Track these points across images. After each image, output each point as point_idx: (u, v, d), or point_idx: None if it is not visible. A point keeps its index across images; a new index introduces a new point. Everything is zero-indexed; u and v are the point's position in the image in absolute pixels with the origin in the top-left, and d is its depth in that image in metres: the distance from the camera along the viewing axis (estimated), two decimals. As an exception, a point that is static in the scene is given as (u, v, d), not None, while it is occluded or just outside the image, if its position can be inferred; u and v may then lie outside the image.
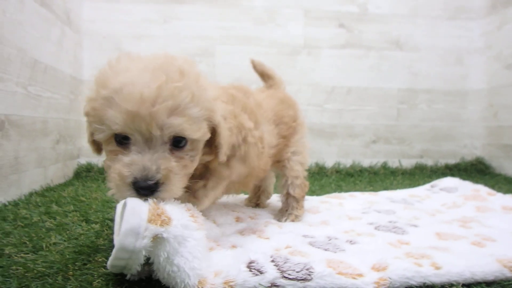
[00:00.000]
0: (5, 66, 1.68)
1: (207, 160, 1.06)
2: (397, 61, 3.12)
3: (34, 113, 1.95)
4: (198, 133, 0.93)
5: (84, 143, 2.67)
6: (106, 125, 0.88)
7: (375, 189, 2.24)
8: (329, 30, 3.05)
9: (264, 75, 1.67)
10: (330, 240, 1.17)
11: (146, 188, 0.87)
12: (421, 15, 3.14)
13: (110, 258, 0.85)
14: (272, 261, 0.92)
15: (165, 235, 0.83)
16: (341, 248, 1.10)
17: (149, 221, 0.84)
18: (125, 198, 0.88)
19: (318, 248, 1.09)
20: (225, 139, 1.02)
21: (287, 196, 1.51)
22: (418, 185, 2.34)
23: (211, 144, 1.02)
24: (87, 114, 0.95)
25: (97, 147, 1.04)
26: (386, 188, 2.29)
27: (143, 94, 0.84)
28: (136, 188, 0.87)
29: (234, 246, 1.09)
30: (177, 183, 0.92)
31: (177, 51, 2.82)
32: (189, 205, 0.97)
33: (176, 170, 0.91)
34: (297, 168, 1.51)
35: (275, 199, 1.76)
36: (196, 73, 0.96)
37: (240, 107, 1.17)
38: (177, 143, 0.92)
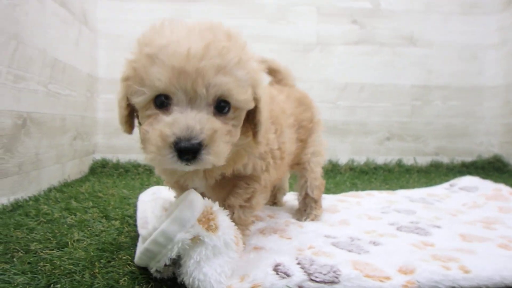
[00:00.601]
0: (28, 66, 1.71)
1: (242, 143, 0.99)
2: (410, 58, 3.10)
3: (53, 111, 1.98)
4: (244, 95, 0.87)
5: (100, 139, 2.71)
6: (148, 85, 0.83)
7: (391, 188, 2.23)
8: (342, 26, 3.04)
9: (270, 70, 1.56)
10: (353, 241, 1.16)
11: (189, 148, 0.79)
12: (434, 10, 3.11)
13: (144, 244, 0.86)
14: (298, 263, 0.91)
15: (206, 239, 0.84)
16: (365, 249, 1.09)
17: (199, 220, 0.85)
18: (166, 161, 0.81)
19: (342, 249, 1.08)
20: (265, 117, 0.97)
21: (305, 197, 1.49)
22: (435, 183, 2.32)
23: (248, 123, 0.97)
24: (126, 78, 0.91)
25: (130, 124, 0.98)
26: (402, 187, 2.27)
27: (190, 51, 0.79)
28: (178, 149, 0.79)
29: (256, 248, 1.08)
30: (222, 147, 0.84)
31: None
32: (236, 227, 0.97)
33: (221, 132, 0.84)
34: (317, 170, 1.50)
35: (291, 198, 1.78)
36: (242, 39, 0.92)
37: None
38: (221, 108, 0.86)
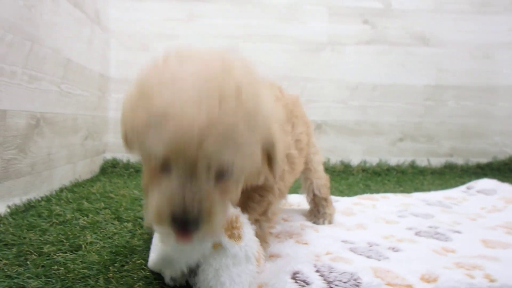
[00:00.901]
0: (41, 66, 1.70)
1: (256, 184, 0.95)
2: (422, 57, 3.07)
3: (65, 111, 1.97)
4: (250, 164, 0.79)
5: (110, 139, 2.71)
6: (147, 150, 0.76)
7: (405, 190, 2.21)
8: (353, 26, 3.01)
9: None
10: (371, 246, 1.14)
11: (185, 226, 0.73)
12: (446, 9, 3.08)
13: (160, 249, 0.86)
14: (317, 271, 0.90)
15: (227, 246, 0.82)
16: (385, 255, 1.07)
17: (222, 227, 0.82)
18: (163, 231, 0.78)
19: (360, 255, 1.06)
20: (280, 157, 0.88)
21: (314, 197, 1.48)
22: (450, 185, 2.30)
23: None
24: (124, 137, 0.86)
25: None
26: (417, 189, 2.25)
27: (191, 119, 0.69)
28: (174, 226, 0.73)
29: (272, 255, 1.06)
30: (219, 220, 0.77)
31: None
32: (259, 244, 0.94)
33: (219, 205, 0.77)
34: (320, 168, 1.49)
35: (304, 200, 1.77)
36: (254, 83, 0.80)
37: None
38: (224, 174, 0.76)
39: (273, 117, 0.84)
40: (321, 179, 1.48)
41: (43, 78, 1.72)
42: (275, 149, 0.83)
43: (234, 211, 0.88)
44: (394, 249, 1.13)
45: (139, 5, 2.83)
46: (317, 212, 1.48)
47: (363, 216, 1.54)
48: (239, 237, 0.85)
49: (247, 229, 0.89)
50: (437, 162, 3.09)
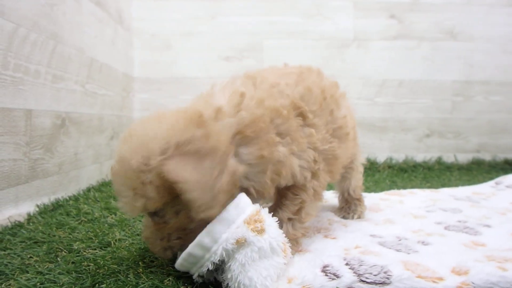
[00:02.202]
0: (66, 66, 1.71)
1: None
2: (451, 52, 3.01)
3: (91, 110, 1.98)
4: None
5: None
6: None
7: (433, 186, 2.18)
8: (379, 21, 2.98)
9: None
10: (400, 240, 1.12)
11: None
12: (475, 3, 3.02)
13: (188, 248, 0.85)
14: (347, 264, 0.89)
15: (252, 239, 0.81)
16: (414, 249, 1.05)
17: (244, 221, 0.82)
18: None
19: (390, 248, 1.05)
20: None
21: (348, 196, 1.44)
22: (478, 181, 2.27)
23: None
24: None
25: None
26: (444, 185, 2.22)
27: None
28: None
29: (300, 250, 1.05)
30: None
31: (225, 47, 2.84)
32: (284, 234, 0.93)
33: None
34: (361, 169, 1.45)
35: (331, 196, 1.74)
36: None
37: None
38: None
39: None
40: (360, 180, 1.44)
41: (68, 78, 1.73)
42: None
43: (255, 206, 0.88)
44: (424, 243, 1.11)
45: (161, 4, 2.84)
46: (348, 208, 1.44)
47: (390, 211, 1.52)
48: (262, 230, 0.84)
49: (270, 222, 0.88)
50: (464, 158, 3.04)
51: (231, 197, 0.85)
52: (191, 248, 0.83)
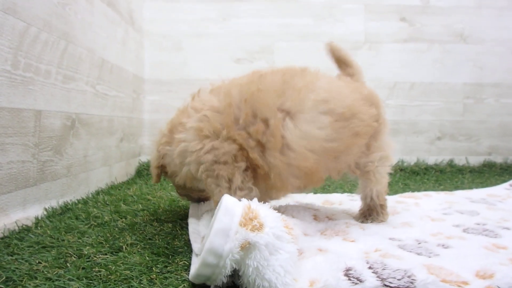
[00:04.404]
0: (77, 66, 1.69)
1: None
2: (462, 55, 2.99)
3: (101, 112, 1.96)
4: None
5: (146, 141, 2.69)
6: None
7: (446, 188, 2.16)
8: (391, 24, 2.96)
9: (341, 62, 1.45)
10: (419, 243, 1.10)
11: None
12: (486, 6, 2.99)
13: (195, 267, 0.82)
14: (370, 267, 0.86)
15: (255, 239, 0.78)
16: (435, 252, 1.02)
17: (240, 224, 0.79)
18: None
19: (410, 252, 1.02)
20: None
21: (370, 202, 1.37)
22: (490, 183, 2.25)
23: None
24: None
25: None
26: (457, 187, 2.19)
27: None
28: None
29: (321, 249, 1.02)
30: None
31: (236, 48, 2.82)
32: (286, 218, 0.93)
33: None
34: (384, 180, 1.35)
35: (346, 198, 1.71)
36: None
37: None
38: None
39: None
40: (384, 188, 1.37)
41: (78, 78, 1.71)
42: None
43: (243, 202, 0.85)
44: (444, 246, 1.08)
45: (172, 5, 2.83)
46: (369, 215, 1.38)
47: (407, 214, 1.49)
48: (261, 225, 0.81)
49: (264, 212, 0.86)
50: (475, 161, 3.01)
51: None
52: (199, 269, 0.80)
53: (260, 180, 1.20)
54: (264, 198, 1.22)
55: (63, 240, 1.16)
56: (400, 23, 2.97)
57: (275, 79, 1.20)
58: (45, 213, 1.44)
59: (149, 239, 1.19)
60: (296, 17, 2.89)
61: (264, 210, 0.86)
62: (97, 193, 1.87)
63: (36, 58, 1.39)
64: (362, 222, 1.36)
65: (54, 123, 1.52)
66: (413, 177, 2.65)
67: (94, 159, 1.90)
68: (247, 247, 0.78)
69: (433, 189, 2.15)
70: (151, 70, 2.81)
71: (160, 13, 2.82)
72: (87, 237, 1.19)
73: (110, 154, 2.10)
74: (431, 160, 2.97)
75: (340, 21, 2.92)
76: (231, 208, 0.82)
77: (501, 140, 3.03)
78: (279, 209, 1.33)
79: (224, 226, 0.79)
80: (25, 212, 1.35)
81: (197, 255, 0.95)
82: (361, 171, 1.32)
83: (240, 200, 0.88)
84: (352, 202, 1.66)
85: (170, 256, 1.04)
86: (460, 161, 2.99)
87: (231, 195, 0.92)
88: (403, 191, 2.04)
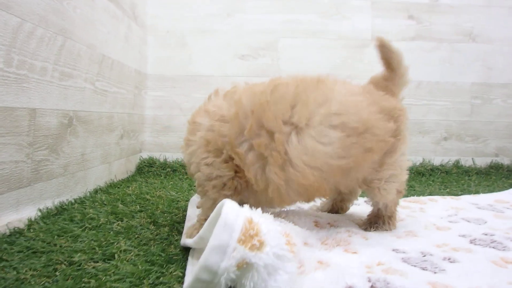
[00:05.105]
0: (75, 62, 1.64)
1: None
2: (470, 54, 2.94)
3: (100, 109, 1.91)
4: None
5: (147, 137, 2.66)
6: None
7: (452, 191, 2.10)
8: (398, 22, 2.90)
9: (386, 62, 1.33)
10: (424, 256, 1.05)
11: None
12: (495, 5, 2.94)
13: (188, 281, 0.77)
14: (372, 286, 0.81)
15: (253, 260, 0.73)
16: (440, 267, 0.97)
17: (239, 241, 0.74)
18: None
19: (414, 266, 0.97)
20: None
21: (378, 211, 1.32)
22: (497, 186, 2.20)
23: None
24: None
25: None
26: (463, 190, 2.15)
27: None
28: None
29: (321, 262, 0.97)
30: None
31: (241, 44, 2.78)
32: (288, 228, 0.88)
33: None
34: (390, 197, 1.27)
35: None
36: None
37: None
38: None
39: None
40: (392, 202, 1.31)
41: (77, 75, 1.66)
42: None
43: (244, 214, 0.80)
44: (450, 260, 1.03)
45: (176, 0, 2.80)
46: (374, 222, 1.33)
47: (412, 221, 1.44)
48: (261, 245, 0.76)
49: (266, 227, 0.80)
50: (482, 162, 2.95)
51: None
52: (192, 284, 0.76)
53: (258, 193, 1.17)
54: (264, 207, 1.20)
55: (55, 245, 1.12)
56: (407, 21, 2.92)
57: (287, 90, 1.14)
58: (39, 214, 1.40)
59: (144, 244, 1.15)
60: (302, 13, 2.85)
61: (266, 225, 0.81)
62: (96, 191, 1.84)
63: (31, 55, 1.35)
64: (366, 229, 1.31)
65: (50, 121, 1.48)
66: (418, 178, 2.60)
67: (93, 157, 1.86)
68: (244, 267, 0.74)
69: (439, 191, 2.11)
70: (154, 66, 2.77)
71: (164, 8, 2.79)
72: (80, 241, 1.15)
73: (109, 151, 2.07)
74: (437, 160, 2.92)
75: (346, 18, 2.87)
76: (230, 223, 0.77)
77: (508, 141, 2.98)
78: (280, 214, 1.30)
79: (222, 243, 0.74)
80: (18, 214, 1.31)
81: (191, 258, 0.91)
82: (367, 186, 1.26)
83: (242, 206, 0.83)
84: (355, 207, 1.61)
85: (165, 265, 1.00)
86: (466, 162, 2.94)
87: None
88: (408, 192, 1.99)
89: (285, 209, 1.43)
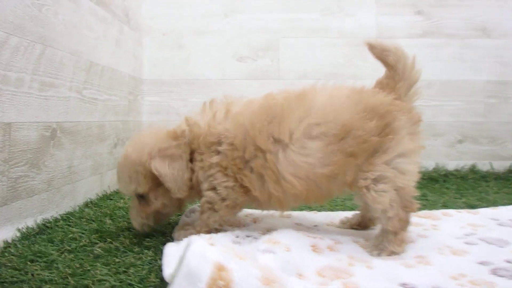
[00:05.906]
0: (57, 71, 1.55)
1: None
2: (483, 50, 2.81)
3: (89, 118, 1.83)
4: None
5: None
6: None
7: (468, 201, 1.96)
8: (405, 17, 2.80)
9: (383, 61, 1.29)
10: None
11: None
12: (510, -3, 2.81)
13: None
14: None
15: None
16: None
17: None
18: None
19: None
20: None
21: (382, 227, 1.21)
22: (518, 193, 2.06)
23: None
24: None
25: None
26: (480, 199, 2.00)
27: None
28: None
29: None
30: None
31: (240, 45, 2.71)
32: (277, 262, 0.77)
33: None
34: (383, 200, 1.15)
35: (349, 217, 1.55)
36: None
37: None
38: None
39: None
40: (389, 211, 1.18)
41: (59, 84, 1.58)
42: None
43: (213, 259, 0.71)
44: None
45: (173, 1, 2.74)
46: (379, 243, 1.21)
47: (423, 242, 1.29)
48: None
49: (237, 274, 0.71)
50: (500, 166, 2.81)
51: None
52: None
53: (262, 203, 1.30)
54: (267, 209, 1.42)
55: (26, 273, 1.03)
56: (415, 16, 2.81)
57: (275, 109, 1.23)
58: (18, 234, 1.31)
59: (124, 271, 1.05)
60: (303, 11, 2.76)
61: (240, 273, 0.70)
62: (86, 204, 1.76)
63: (3, 65, 1.25)
64: (371, 253, 1.18)
65: (28, 135, 1.38)
66: (431, 185, 2.45)
67: (81, 169, 1.77)
68: None
69: (454, 200, 1.98)
70: (150, 69, 2.71)
71: (160, 9, 2.73)
72: (53, 270, 1.05)
73: (101, 161, 1.98)
74: (451, 165, 2.79)
75: (350, 15, 2.78)
76: (195, 272, 0.67)
77: (527, 143, 2.85)
78: (273, 236, 1.20)
79: None
80: (-7, 236, 1.22)
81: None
82: (355, 187, 1.22)
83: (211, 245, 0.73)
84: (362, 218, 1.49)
85: (139, 300, 0.90)
86: (483, 166, 2.80)
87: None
88: (420, 201, 1.85)
89: (280, 229, 1.30)
